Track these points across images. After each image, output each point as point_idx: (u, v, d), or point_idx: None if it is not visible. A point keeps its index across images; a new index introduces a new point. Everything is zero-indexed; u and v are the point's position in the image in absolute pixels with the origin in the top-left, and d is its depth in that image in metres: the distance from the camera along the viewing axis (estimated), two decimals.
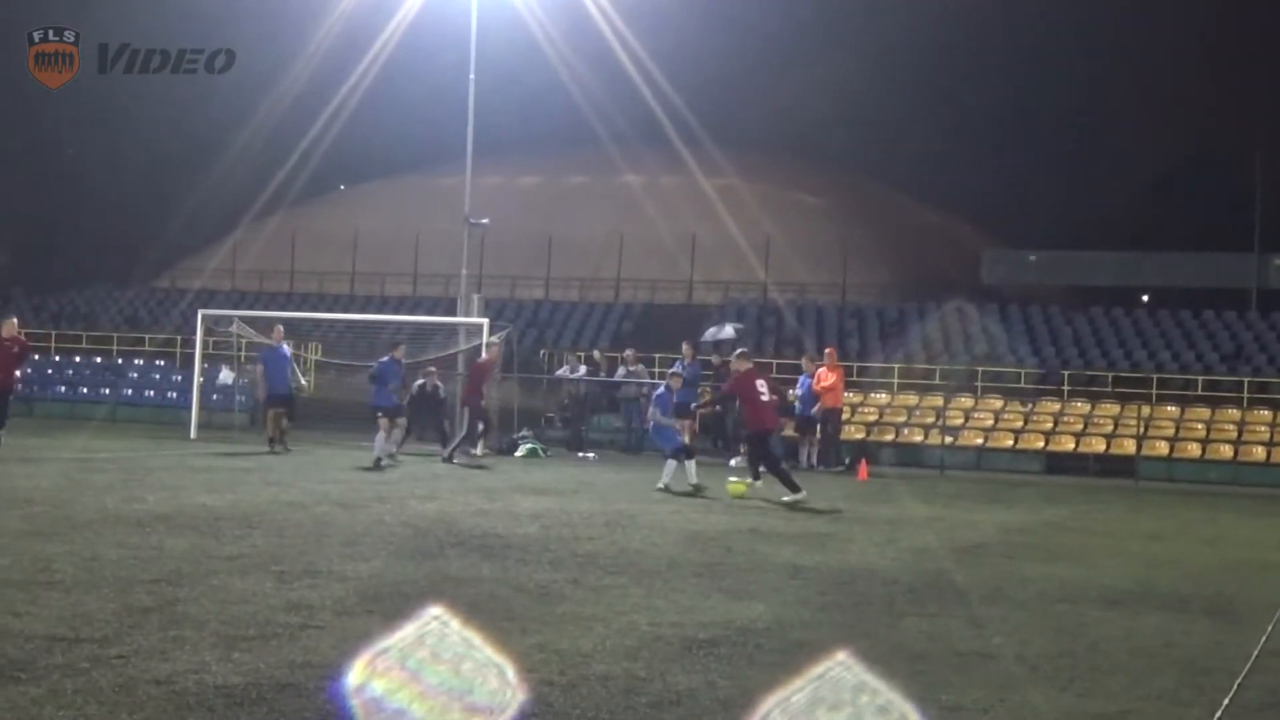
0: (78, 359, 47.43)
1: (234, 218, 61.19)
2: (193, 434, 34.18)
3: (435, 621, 10.46)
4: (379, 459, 27.24)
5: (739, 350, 25.50)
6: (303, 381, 31.80)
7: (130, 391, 43.09)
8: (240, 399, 40.03)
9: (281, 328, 31.19)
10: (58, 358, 48.87)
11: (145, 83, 68.12)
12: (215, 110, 63.20)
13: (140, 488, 20.21)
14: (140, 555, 13.29)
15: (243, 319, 39.35)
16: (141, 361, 46.82)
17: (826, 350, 35.25)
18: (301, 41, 49.89)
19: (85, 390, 43.55)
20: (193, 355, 37.36)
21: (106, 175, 70.47)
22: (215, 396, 39.75)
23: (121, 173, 70.47)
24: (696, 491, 23.74)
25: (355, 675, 8.65)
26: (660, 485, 24.20)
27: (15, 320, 27.36)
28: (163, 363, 46.12)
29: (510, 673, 8.83)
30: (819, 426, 33.37)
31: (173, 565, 12.70)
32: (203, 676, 8.44)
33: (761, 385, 23.50)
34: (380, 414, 28.47)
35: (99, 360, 46.81)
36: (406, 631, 10.08)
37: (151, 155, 69.23)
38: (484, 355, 32.35)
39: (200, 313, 38.12)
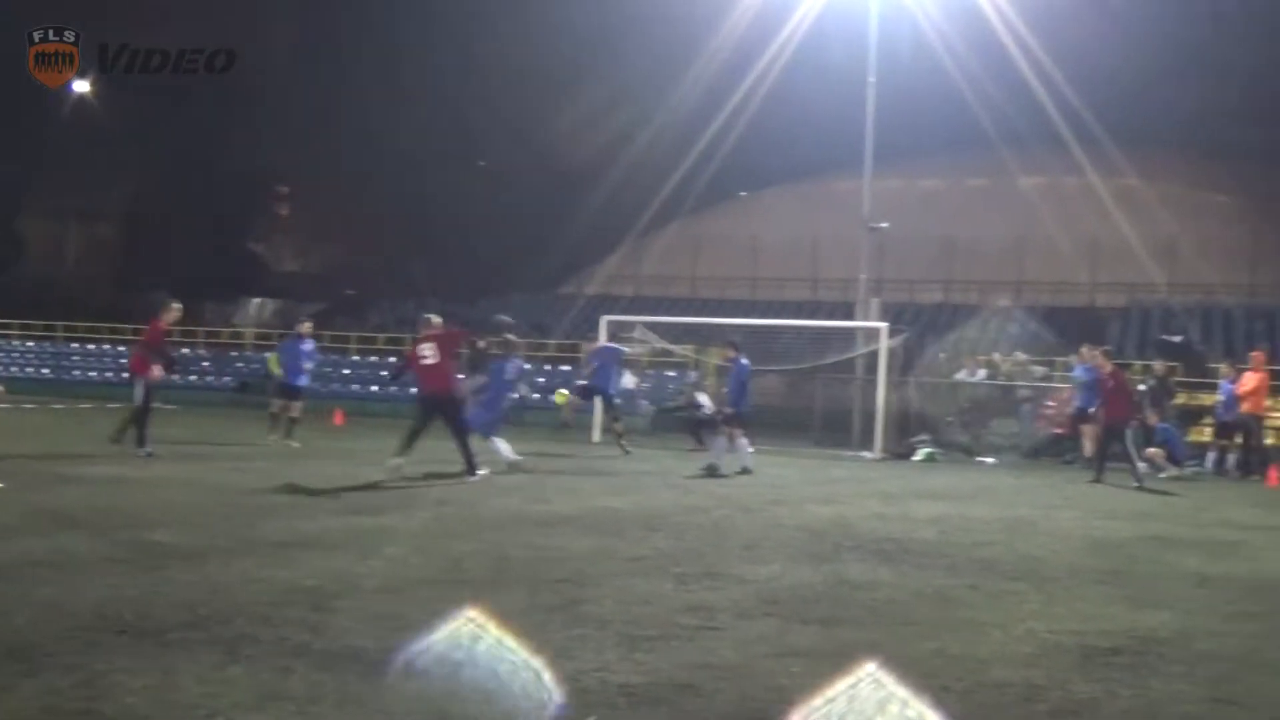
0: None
1: (635, 224, 62.27)
2: (595, 437, 34.86)
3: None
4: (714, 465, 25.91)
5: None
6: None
7: (537, 396, 44.19)
8: (643, 403, 40.64)
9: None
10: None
11: (549, 91, 69.96)
12: (616, 117, 64.44)
13: (545, 489, 20.75)
14: (546, 555, 13.65)
15: (645, 325, 40.04)
16: (549, 366, 47.99)
17: (1252, 354, 34.01)
18: (700, 48, 50.58)
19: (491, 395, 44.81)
20: None
21: (513, 183, 72.48)
22: (618, 401, 40.43)
23: (527, 181, 72.39)
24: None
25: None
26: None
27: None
28: (568, 368, 47.16)
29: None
30: (1241, 432, 32.25)
31: (577, 566, 13.00)
32: (605, 675, 8.63)
33: (426, 351, 22.35)
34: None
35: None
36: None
37: (556, 162, 70.93)
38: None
39: (603, 319, 38.89)
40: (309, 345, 31.24)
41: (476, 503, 18.34)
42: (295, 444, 28.72)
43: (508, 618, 10.07)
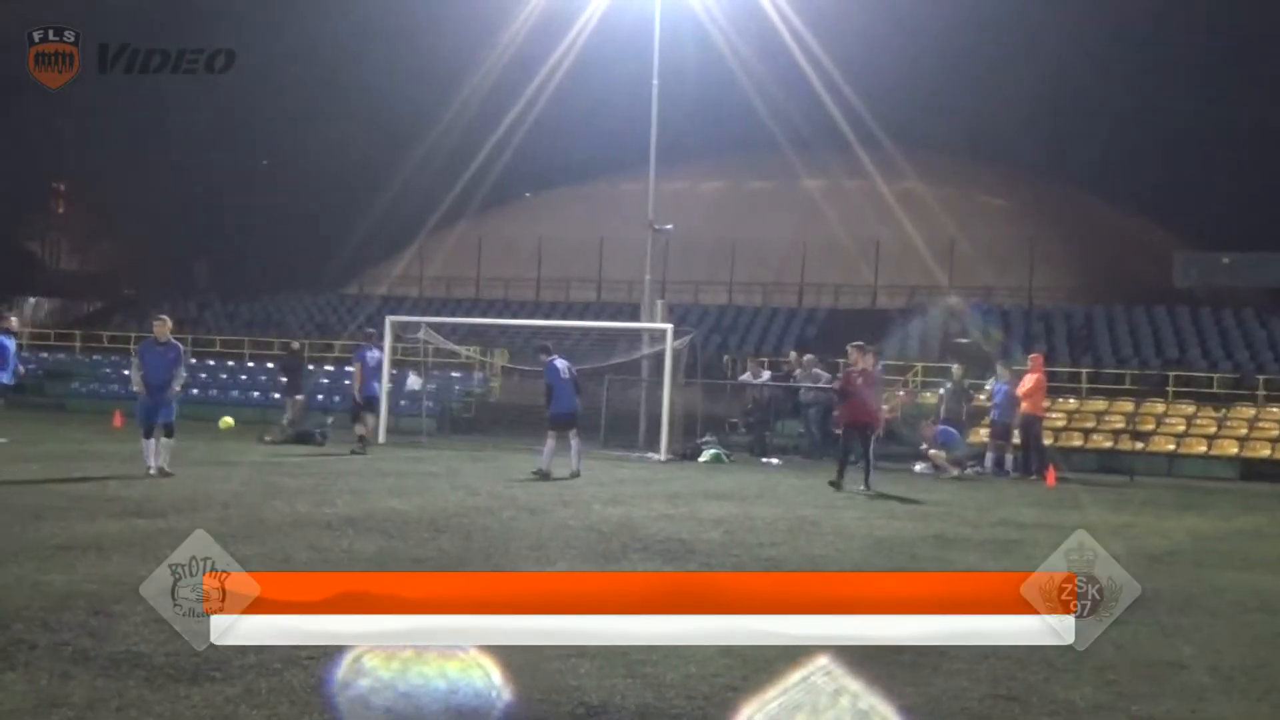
0: (269, 364, 48.28)
1: (421, 225, 62.00)
2: (381, 439, 34.58)
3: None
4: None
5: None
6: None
7: (320, 396, 43.73)
8: (428, 404, 40.45)
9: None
10: (251, 363, 49.86)
11: (334, 92, 69.42)
12: (401, 118, 64.12)
13: (330, 492, 20.53)
14: (330, 558, 13.52)
15: (430, 325, 39.86)
16: (332, 367, 47.54)
17: (1031, 356, 34.48)
18: (485, 50, 50.48)
19: (277, 395, 44.18)
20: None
21: (297, 184, 71.79)
22: (403, 402, 40.24)
23: (311, 181, 71.73)
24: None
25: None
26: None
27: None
28: (352, 369, 46.65)
29: None
30: (1020, 433, 32.70)
31: (361, 568, 12.89)
32: None
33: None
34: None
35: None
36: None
37: (340, 163, 70.39)
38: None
39: (388, 319, 38.65)
40: (9, 342, 30.78)
41: (260, 505, 18.10)
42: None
43: None
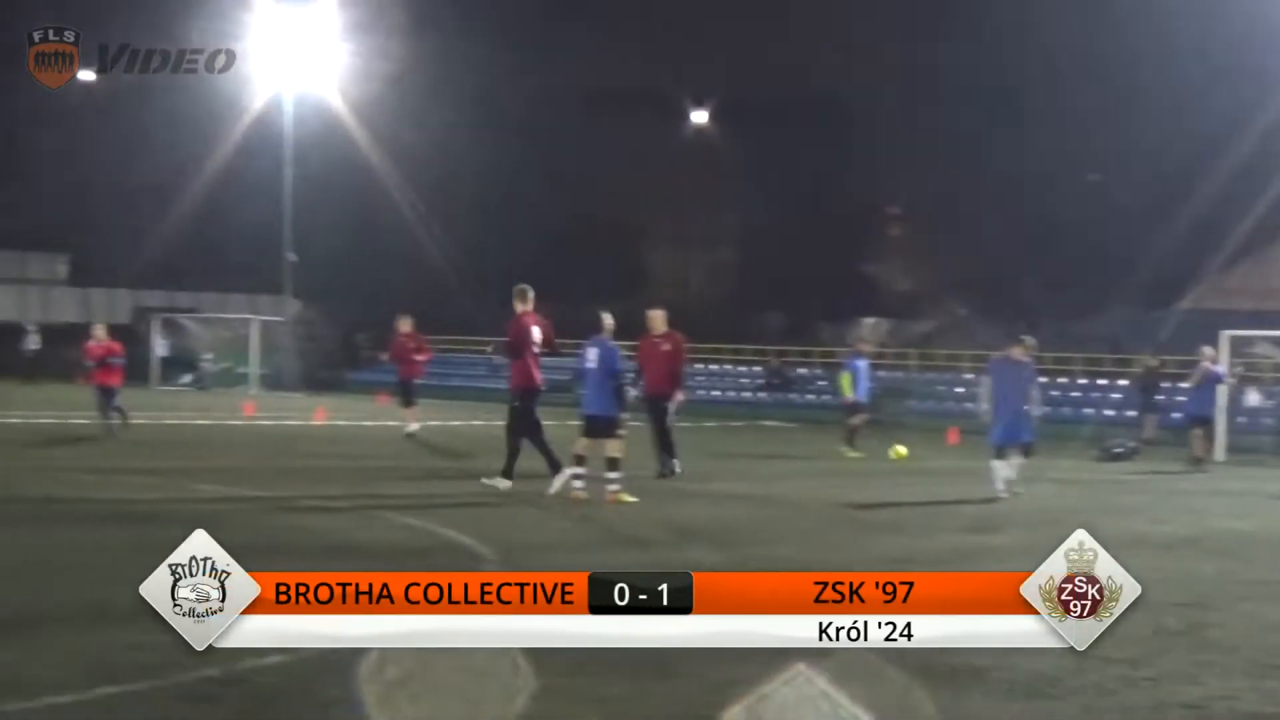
0: (1099, 381, 48.22)
1: (1251, 235, 59.97)
2: (1220, 456, 33.75)
3: None
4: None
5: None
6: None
7: (1176, 415, 42.63)
8: (1268, 422, 39.03)
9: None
10: (1082, 380, 49.79)
11: (1157, 100, 68.24)
12: (1219, 122, 62.17)
13: (1165, 510, 20.31)
14: (1168, 578, 13.38)
15: (1269, 339, 38.67)
16: (1187, 384, 46.59)
17: None
18: None
19: (1133, 413, 43.18)
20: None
21: (1120, 197, 71.04)
22: (1241, 419, 39.06)
23: (1132, 194, 70.77)
24: None
25: None
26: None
27: None
28: (1168, 384, 45.11)
29: None
30: None
31: (1201, 589, 12.73)
32: (1232, 703, 8.48)
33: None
34: None
35: (1126, 383, 46.79)
36: None
37: (1154, 174, 68.97)
38: None
39: (1221, 334, 37.65)
40: (863, 363, 33.09)
41: (1094, 523, 18.06)
42: (856, 453, 30.32)
43: (1130, 642, 10.00)
